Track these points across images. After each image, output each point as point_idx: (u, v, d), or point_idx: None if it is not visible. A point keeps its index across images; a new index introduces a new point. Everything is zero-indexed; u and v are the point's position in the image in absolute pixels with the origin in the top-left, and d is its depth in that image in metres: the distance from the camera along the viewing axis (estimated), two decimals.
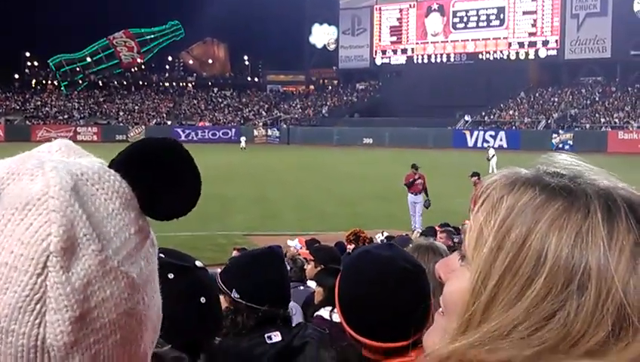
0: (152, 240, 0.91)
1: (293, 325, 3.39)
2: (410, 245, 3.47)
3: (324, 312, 4.23)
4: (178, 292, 2.05)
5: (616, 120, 69.96)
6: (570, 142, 64.61)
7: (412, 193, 22.26)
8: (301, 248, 13.63)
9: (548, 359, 0.87)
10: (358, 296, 2.29)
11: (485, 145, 67.41)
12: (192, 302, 2.22)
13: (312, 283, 7.98)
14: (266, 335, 3.12)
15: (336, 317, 3.67)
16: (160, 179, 0.88)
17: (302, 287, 7.73)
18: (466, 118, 77.46)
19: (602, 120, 70.96)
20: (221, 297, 3.28)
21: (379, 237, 13.73)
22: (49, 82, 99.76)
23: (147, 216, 0.89)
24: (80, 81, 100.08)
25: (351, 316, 2.30)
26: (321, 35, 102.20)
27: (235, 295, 3.14)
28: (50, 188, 0.79)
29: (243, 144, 68.82)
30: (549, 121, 72.63)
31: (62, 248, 0.77)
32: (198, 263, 2.34)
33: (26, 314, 0.76)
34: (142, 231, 0.87)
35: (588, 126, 70.43)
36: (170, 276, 2.06)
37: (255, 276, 3.19)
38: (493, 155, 39.08)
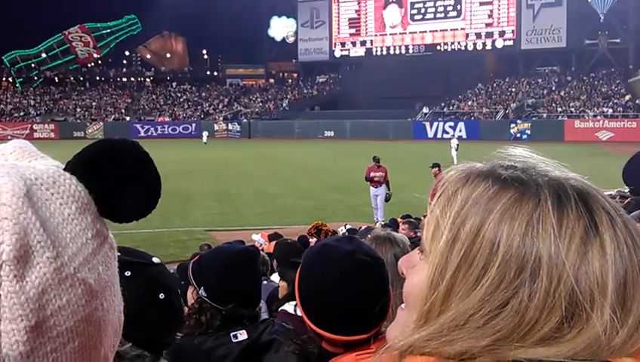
0: (111, 243, 0.89)
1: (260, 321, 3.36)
2: (369, 236, 3.48)
3: (289, 306, 4.22)
4: (136, 290, 2.03)
5: (573, 109, 71.02)
6: (528, 132, 65.48)
7: (373, 186, 22.31)
8: (264, 243, 13.62)
9: (503, 348, 0.87)
10: (317, 289, 2.28)
11: (445, 135, 68.21)
12: (151, 299, 2.20)
13: (275, 278, 8.00)
14: (231, 334, 3.09)
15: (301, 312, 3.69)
16: (117, 182, 0.86)
17: (265, 282, 7.74)
18: (424, 110, 77.94)
19: (559, 109, 71.99)
20: (189, 290, 3.26)
21: (342, 230, 13.78)
22: (3, 79, 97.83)
23: (105, 218, 0.87)
24: (35, 78, 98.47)
25: (310, 309, 2.30)
26: (280, 28, 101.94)
27: (202, 293, 3.12)
28: (2, 194, 0.76)
29: (205, 139, 68.41)
30: (507, 111, 73.49)
31: (15, 257, 0.75)
32: (155, 259, 2.32)
33: None
34: (99, 234, 0.85)
35: (545, 115, 71.39)
36: (127, 274, 2.04)
37: (227, 276, 3.15)
38: (457, 145, 39.23)
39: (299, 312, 3.66)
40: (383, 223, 18.79)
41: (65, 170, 0.86)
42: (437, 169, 20.56)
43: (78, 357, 0.81)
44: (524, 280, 0.87)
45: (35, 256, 0.76)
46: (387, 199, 22.07)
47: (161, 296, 2.24)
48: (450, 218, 0.94)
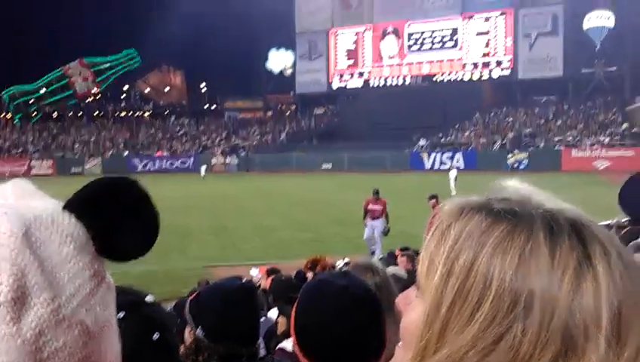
0: (109, 283, 0.88)
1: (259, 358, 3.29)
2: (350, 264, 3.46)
3: (287, 344, 4.16)
4: (130, 331, 1.97)
5: (570, 138, 71.18)
6: (526, 162, 65.56)
7: (371, 219, 22.30)
8: (261, 277, 13.52)
9: None
10: (313, 324, 2.26)
11: (443, 166, 68.31)
12: (146, 339, 2.16)
13: (271, 314, 7.92)
14: None
15: None
16: (116, 219, 0.86)
17: (262, 318, 7.65)
18: (421, 142, 78.10)
19: (556, 138, 72.15)
20: (187, 329, 3.20)
21: (339, 264, 13.68)
22: (2, 115, 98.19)
23: (103, 257, 0.87)
24: (34, 113, 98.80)
25: (306, 344, 2.28)
26: (278, 61, 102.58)
27: (199, 332, 3.04)
28: (0, 235, 0.76)
29: (203, 173, 68.43)
30: (504, 141, 73.63)
31: (12, 298, 0.74)
32: (149, 298, 2.28)
33: None
34: (97, 274, 0.85)
35: (542, 145, 71.54)
36: (121, 315, 1.98)
37: (226, 314, 3.08)
38: (456, 176, 39.24)
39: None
40: (380, 257, 18.75)
41: (64, 208, 0.86)
42: (435, 200, 20.52)
43: None
44: (518, 315, 0.85)
45: (32, 298, 0.75)
46: (386, 233, 22.03)
47: (156, 335, 2.19)
48: (444, 253, 0.93)
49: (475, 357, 0.87)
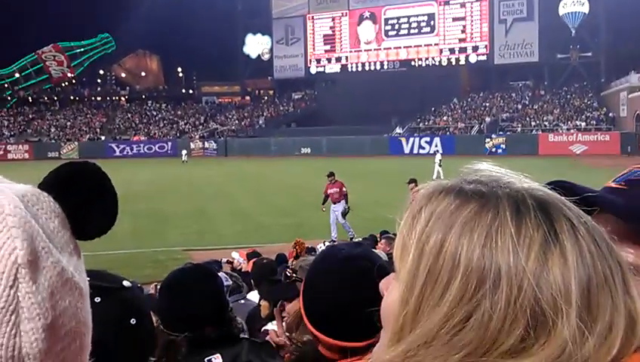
0: (82, 260, 0.94)
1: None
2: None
3: (271, 326, 4.20)
4: (107, 316, 1.97)
5: (546, 123, 71.75)
6: (503, 146, 65.98)
7: (332, 202, 22.33)
8: (243, 261, 13.56)
9: None
10: (318, 292, 2.27)
11: (422, 151, 68.57)
12: (122, 325, 2.13)
13: (252, 296, 7.95)
14: (205, 359, 2.95)
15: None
16: (84, 202, 0.92)
17: (242, 301, 7.68)
18: (398, 129, 78.28)
19: (533, 123, 72.68)
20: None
21: (320, 247, 13.74)
22: None
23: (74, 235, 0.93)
24: (9, 98, 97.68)
25: (311, 311, 2.28)
26: (255, 45, 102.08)
27: (159, 323, 2.98)
28: (5, 206, 0.81)
29: (184, 157, 68.18)
30: (482, 126, 74.05)
31: (29, 260, 0.80)
32: (125, 283, 2.24)
33: (2, 326, 0.78)
34: (76, 249, 0.91)
35: (519, 129, 72.02)
36: (97, 300, 1.97)
37: (176, 299, 3.03)
38: (441, 160, 39.47)
39: None
40: (334, 240, 18.91)
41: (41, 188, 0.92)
42: (414, 184, 20.56)
43: (78, 358, 0.87)
44: (486, 292, 0.86)
45: (42, 261, 0.82)
46: (344, 214, 22.05)
47: (133, 321, 2.18)
48: (415, 236, 0.94)
49: (446, 337, 0.88)
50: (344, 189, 22.42)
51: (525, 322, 0.85)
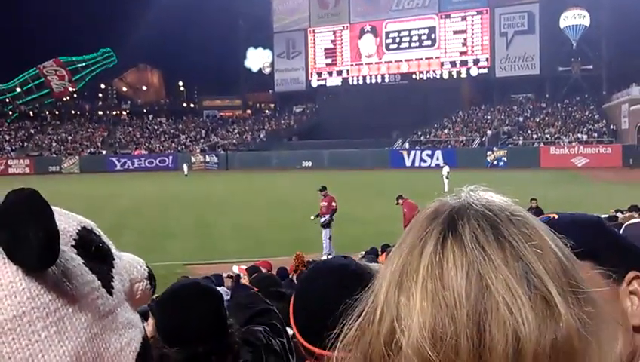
0: (15, 288, 0.90)
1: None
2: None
3: None
4: None
5: (548, 135, 71.65)
6: (505, 159, 65.85)
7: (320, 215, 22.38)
8: (243, 276, 13.40)
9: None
10: (307, 299, 2.23)
11: (423, 164, 68.46)
12: None
13: None
14: None
15: None
16: (10, 233, 0.89)
17: None
18: (399, 142, 78.28)
19: (534, 136, 72.60)
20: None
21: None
22: None
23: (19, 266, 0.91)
24: (10, 112, 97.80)
25: (298, 319, 2.24)
26: (256, 59, 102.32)
27: (159, 338, 2.93)
28: None
29: (186, 171, 68.12)
30: (483, 139, 73.96)
31: None
32: None
33: None
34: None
35: (521, 142, 71.93)
36: None
37: (175, 314, 2.95)
38: (448, 173, 39.38)
39: None
40: (327, 255, 18.93)
41: None
42: (401, 199, 21.63)
43: None
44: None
45: None
46: (322, 224, 22.01)
47: None
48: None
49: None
50: (333, 204, 22.41)
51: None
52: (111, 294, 1.01)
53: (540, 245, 0.82)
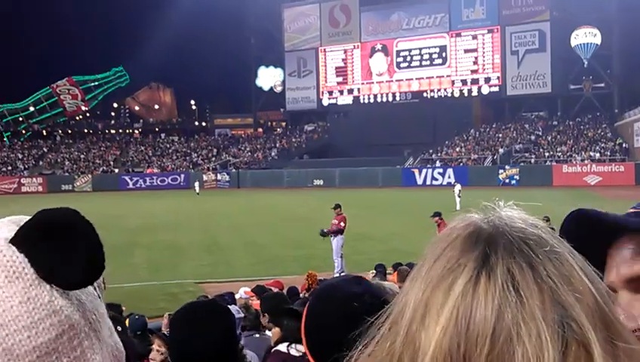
0: (54, 308, 0.90)
1: None
2: None
3: (282, 346, 4.10)
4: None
5: (560, 153, 71.44)
6: (517, 177, 65.63)
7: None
8: (248, 298, 13.38)
9: None
10: (319, 326, 2.24)
11: (435, 182, 68.31)
12: None
13: (269, 333, 7.78)
14: None
15: (294, 351, 3.54)
16: (54, 252, 0.89)
17: (257, 335, 7.55)
18: (410, 160, 78.23)
19: (546, 154, 72.38)
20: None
21: None
22: None
23: (55, 285, 0.91)
24: (23, 131, 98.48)
25: (312, 345, 2.26)
26: (268, 78, 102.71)
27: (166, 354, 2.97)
28: None
29: (197, 189, 68.24)
30: (495, 157, 73.79)
31: None
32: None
33: None
34: (31, 300, 0.88)
35: (533, 160, 71.73)
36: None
37: (187, 333, 3.01)
38: (460, 191, 39.30)
39: (292, 351, 3.53)
40: (339, 273, 18.80)
41: (11, 240, 0.92)
42: (438, 218, 20.28)
43: None
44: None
45: None
46: (321, 234, 21.79)
47: None
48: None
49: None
50: (341, 224, 22.04)
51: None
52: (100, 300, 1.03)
53: (579, 287, 0.78)
